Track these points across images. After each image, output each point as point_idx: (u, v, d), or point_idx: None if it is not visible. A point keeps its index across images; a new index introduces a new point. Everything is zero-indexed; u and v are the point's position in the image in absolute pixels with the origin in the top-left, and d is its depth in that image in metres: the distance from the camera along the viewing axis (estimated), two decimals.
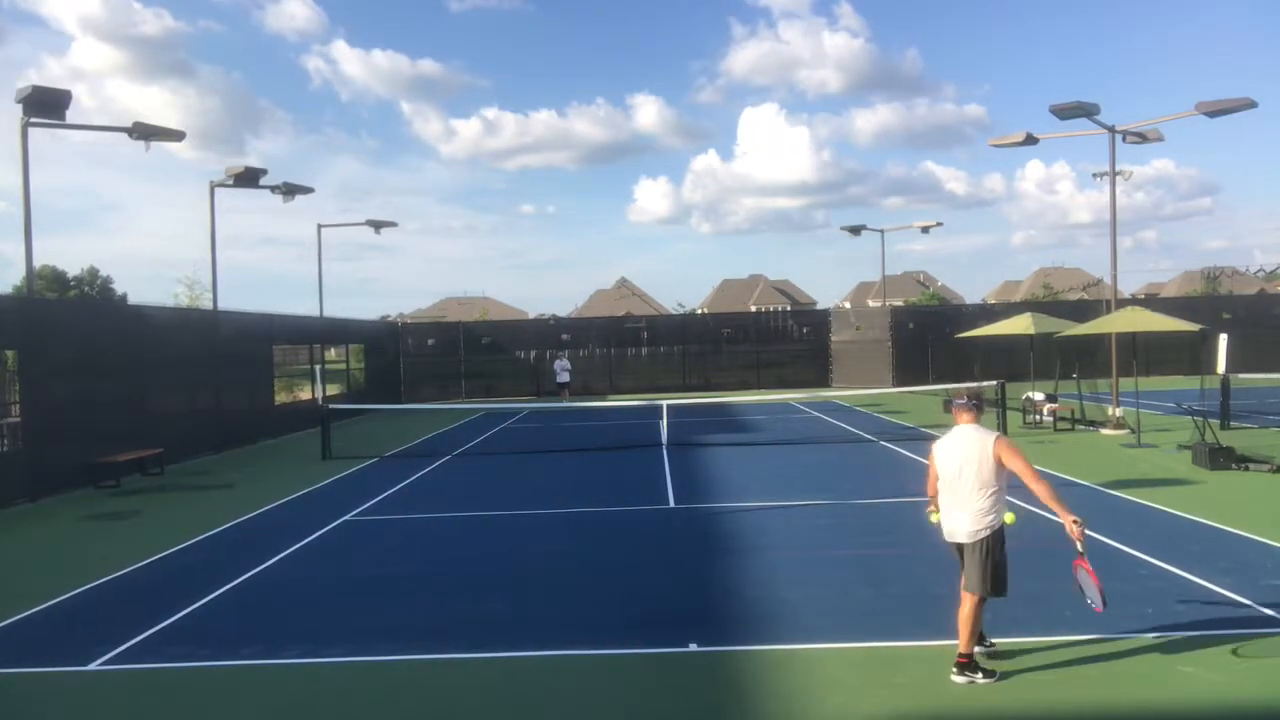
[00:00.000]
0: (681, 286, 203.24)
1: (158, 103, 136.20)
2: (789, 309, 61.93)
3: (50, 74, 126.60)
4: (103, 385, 16.10)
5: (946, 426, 21.11)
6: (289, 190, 24.42)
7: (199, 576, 9.12)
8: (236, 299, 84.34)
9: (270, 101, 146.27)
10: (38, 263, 17.50)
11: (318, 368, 22.09)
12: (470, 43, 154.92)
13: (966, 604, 5.81)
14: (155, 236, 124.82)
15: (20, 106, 15.69)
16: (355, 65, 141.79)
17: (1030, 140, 20.41)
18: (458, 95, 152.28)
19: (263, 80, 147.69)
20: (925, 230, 40.81)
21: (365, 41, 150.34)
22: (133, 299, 43.61)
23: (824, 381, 36.08)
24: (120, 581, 9.15)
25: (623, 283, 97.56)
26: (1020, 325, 21.77)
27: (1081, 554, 5.73)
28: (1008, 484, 5.91)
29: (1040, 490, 5.70)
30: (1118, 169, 20.45)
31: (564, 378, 32.01)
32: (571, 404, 30.35)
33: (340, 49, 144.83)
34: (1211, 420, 15.58)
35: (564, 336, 37.81)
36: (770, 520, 11.10)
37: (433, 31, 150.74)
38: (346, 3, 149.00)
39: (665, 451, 17.75)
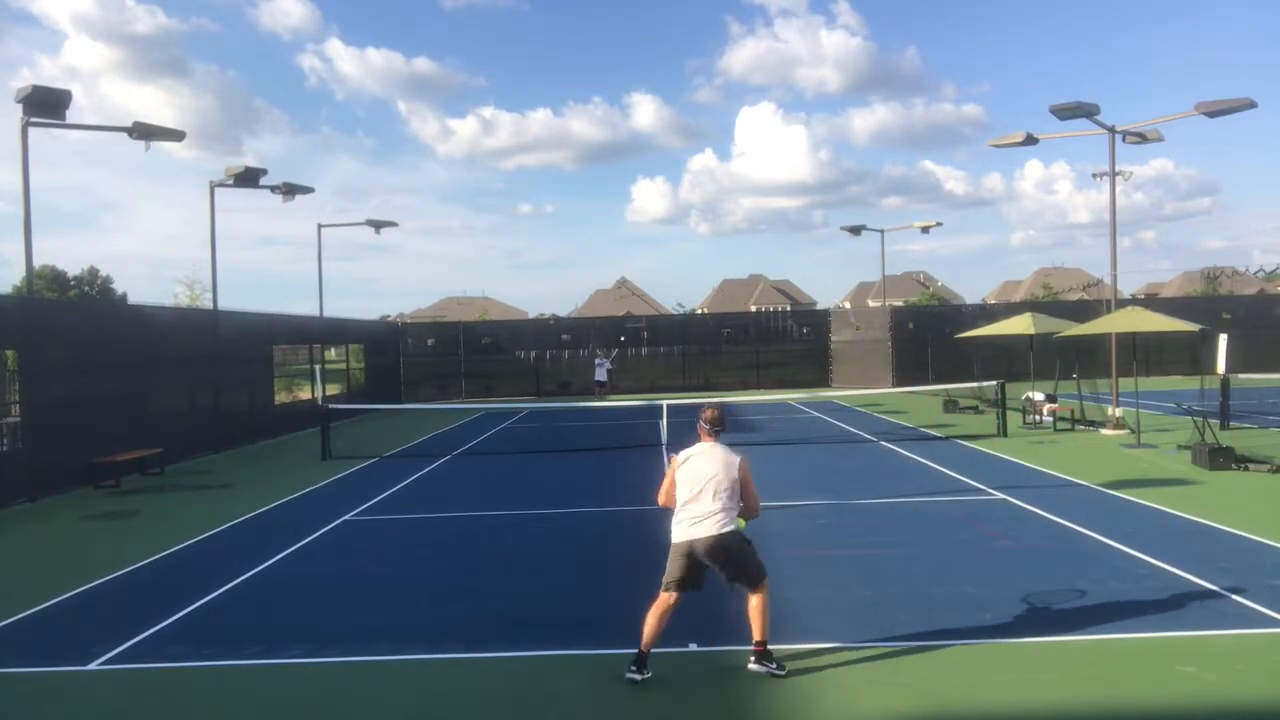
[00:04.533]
0: (681, 286, 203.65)
1: (153, 102, 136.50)
2: (789, 309, 61.94)
3: (44, 72, 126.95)
4: (102, 385, 16.09)
5: (946, 426, 20.94)
6: (289, 190, 24.39)
7: (199, 576, 9.11)
8: (236, 299, 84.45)
9: (266, 101, 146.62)
10: (37, 263, 17.49)
11: (317, 368, 22.08)
12: (465, 41, 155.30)
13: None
14: (153, 236, 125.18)
15: (20, 106, 15.68)
16: (350, 64, 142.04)
17: (1030, 140, 20.40)
18: (454, 94, 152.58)
19: (258, 79, 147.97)
20: (925, 230, 40.76)
21: (359, 40, 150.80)
22: (132, 299, 43.69)
23: (824, 382, 36.08)
24: (120, 581, 9.15)
25: (622, 283, 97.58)
26: (1020, 325, 21.78)
27: None
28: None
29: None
30: (1117, 169, 20.46)
31: (601, 376, 31.75)
32: (602, 403, 30.03)
33: (335, 47, 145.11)
34: (1211, 420, 15.58)
35: (564, 337, 37.81)
36: (770, 520, 11.06)
37: (427, 30, 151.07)
38: (340, 0, 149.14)
39: (665, 452, 17.74)
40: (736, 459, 6.17)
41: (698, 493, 6.04)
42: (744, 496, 6.15)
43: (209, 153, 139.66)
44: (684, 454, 6.27)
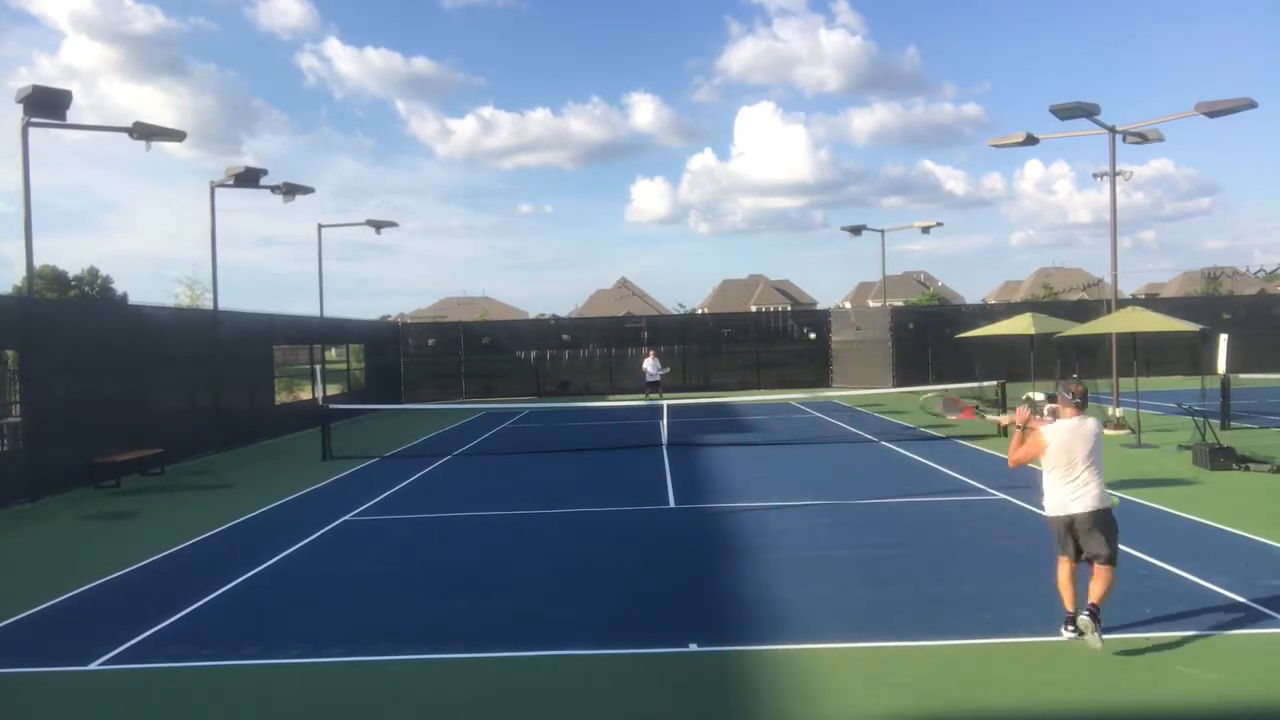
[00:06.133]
0: (681, 286, 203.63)
1: (152, 102, 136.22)
2: (789, 309, 61.94)
3: (42, 72, 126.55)
4: (103, 385, 16.10)
5: (947, 426, 20.87)
6: (289, 190, 24.37)
7: (199, 576, 9.12)
8: (236, 299, 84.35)
9: (265, 101, 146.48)
10: (37, 263, 17.48)
11: (318, 368, 22.09)
12: (464, 41, 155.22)
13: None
14: (153, 236, 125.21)
15: (21, 107, 15.67)
16: (348, 63, 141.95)
17: (1030, 140, 20.37)
18: (453, 94, 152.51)
19: (257, 79, 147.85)
20: (925, 230, 40.72)
21: (357, 39, 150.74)
22: (133, 299, 43.70)
23: (824, 382, 36.09)
24: (120, 581, 9.15)
25: (623, 283, 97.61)
26: (1020, 325, 21.77)
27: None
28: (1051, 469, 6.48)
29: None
30: (1118, 169, 20.44)
31: (655, 376, 30.90)
32: (656, 400, 29.37)
33: (333, 46, 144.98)
34: (1212, 420, 15.57)
35: (564, 337, 37.82)
36: (770, 520, 11.09)
37: (426, 29, 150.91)
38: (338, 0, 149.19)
39: (665, 451, 17.74)
40: (1098, 430, 6.48)
41: (1073, 466, 6.34)
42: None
43: (208, 153, 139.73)
44: (1054, 425, 6.49)
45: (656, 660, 6.42)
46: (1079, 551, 6.41)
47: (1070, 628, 6.35)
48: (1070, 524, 6.38)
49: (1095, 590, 6.26)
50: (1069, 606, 6.40)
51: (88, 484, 15.27)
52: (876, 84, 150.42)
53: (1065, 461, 6.36)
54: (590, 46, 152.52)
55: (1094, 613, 6.15)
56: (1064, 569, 6.46)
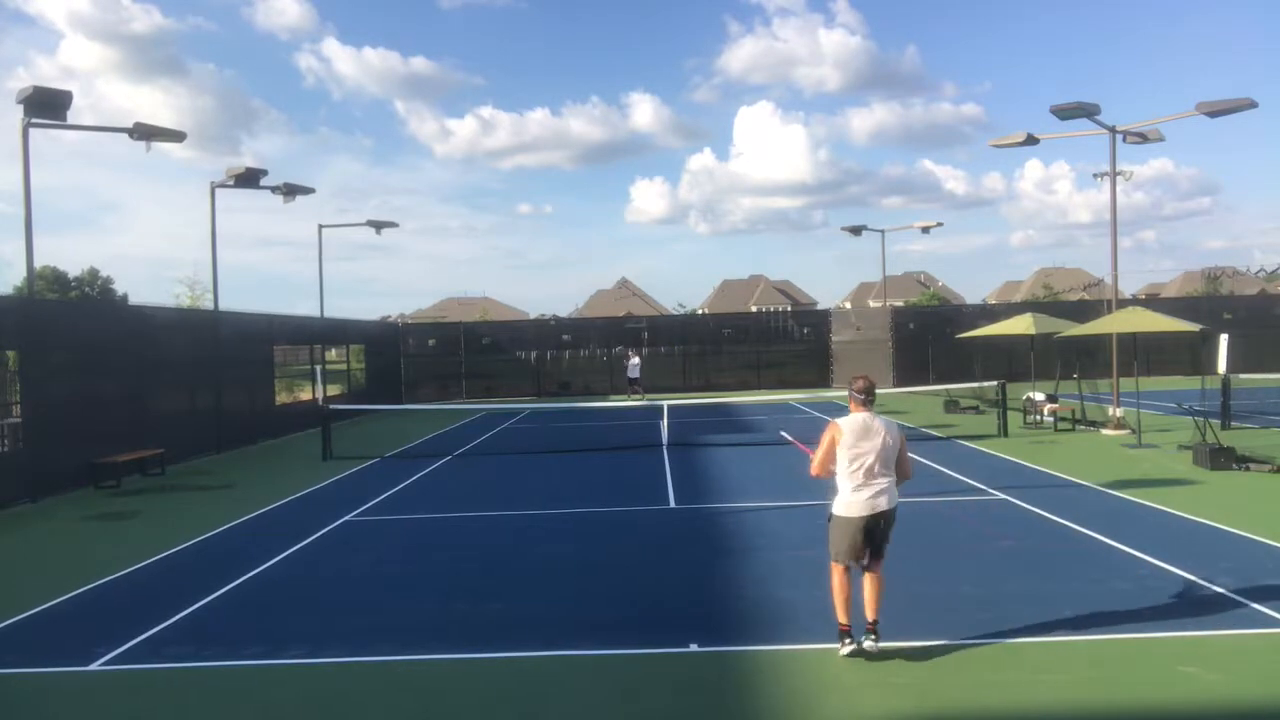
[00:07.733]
0: (681, 287, 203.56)
1: (150, 102, 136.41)
2: (789, 309, 61.92)
3: (40, 72, 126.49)
4: (103, 385, 16.11)
5: (947, 426, 20.88)
6: (289, 191, 24.39)
7: (199, 576, 9.12)
8: (237, 299, 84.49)
9: (264, 101, 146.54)
10: (38, 263, 17.48)
11: (318, 368, 22.09)
12: (462, 40, 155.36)
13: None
14: (154, 236, 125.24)
15: (21, 107, 15.67)
16: (347, 63, 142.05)
17: (1031, 141, 20.37)
18: (451, 94, 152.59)
19: (256, 79, 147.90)
20: (926, 230, 40.81)
21: (356, 39, 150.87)
22: (133, 299, 43.68)
23: (824, 382, 36.09)
24: (120, 581, 9.15)
25: (623, 283, 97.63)
26: (1021, 325, 21.77)
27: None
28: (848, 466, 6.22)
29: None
30: (1118, 169, 20.44)
31: (635, 374, 31.80)
32: (641, 401, 29.73)
33: (331, 46, 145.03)
34: (1212, 420, 15.58)
35: (564, 337, 37.83)
36: (770, 520, 11.09)
37: (424, 29, 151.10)
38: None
39: (666, 452, 17.74)
40: (896, 427, 6.33)
41: (873, 464, 6.11)
42: (901, 463, 6.30)
43: (207, 153, 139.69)
44: (844, 424, 6.22)
45: (656, 660, 6.42)
46: (862, 554, 6.20)
47: (850, 642, 6.11)
48: (874, 523, 6.13)
49: (875, 602, 6.21)
50: (846, 618, 6.16)
51: (88, 484, 15.27)
52: (876, 83, 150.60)
53: (873, 454, 6.07)
54: (589, 46, 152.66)
55: (875, 628, 6.12)
56: (843, 575, 6.21)
